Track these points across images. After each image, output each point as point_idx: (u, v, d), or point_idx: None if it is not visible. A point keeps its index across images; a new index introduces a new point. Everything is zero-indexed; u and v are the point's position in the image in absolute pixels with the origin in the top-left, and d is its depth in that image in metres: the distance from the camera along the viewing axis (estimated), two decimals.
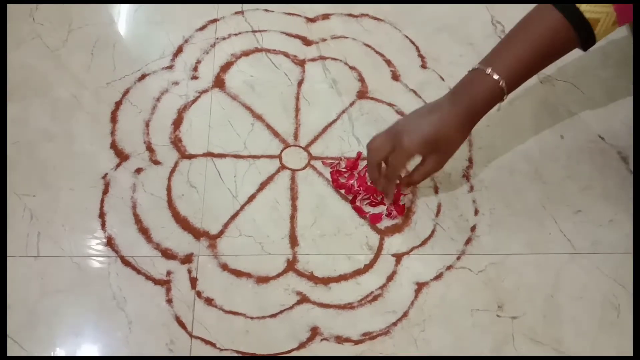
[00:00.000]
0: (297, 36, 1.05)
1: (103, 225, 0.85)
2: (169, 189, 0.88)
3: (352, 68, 1.02)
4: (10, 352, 0.75)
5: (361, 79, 1.01)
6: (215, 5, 1.07)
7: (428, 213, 0.89)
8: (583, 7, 0.69)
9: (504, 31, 1.05)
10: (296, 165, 0.92)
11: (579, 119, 0.98)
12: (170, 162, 0.90)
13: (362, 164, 0.91)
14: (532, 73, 0.76)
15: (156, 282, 0.81)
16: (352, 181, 0.89)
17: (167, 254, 0.83)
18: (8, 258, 0.81)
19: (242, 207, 0.87)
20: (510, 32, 0.76)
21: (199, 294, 0.81)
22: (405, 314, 0.81)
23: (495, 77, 0.72)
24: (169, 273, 0.82)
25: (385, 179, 0.81)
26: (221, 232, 0.85)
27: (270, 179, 0.90)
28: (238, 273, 0.82)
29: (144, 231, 0.85)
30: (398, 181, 0.83)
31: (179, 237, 0.85)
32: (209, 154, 0.91)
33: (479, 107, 0.75)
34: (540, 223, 0.89)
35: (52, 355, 0.76)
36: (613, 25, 0.71)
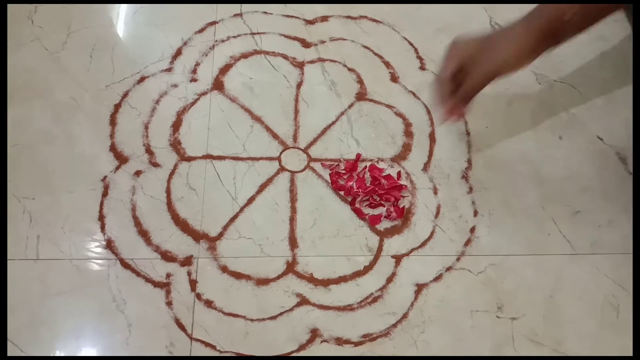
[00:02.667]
0: (295, 38, 1.05)
1: (102, 227, 0.85)
2: (168, 192, 0.88)
3: (350, 70, 1.02)
4: (11, 355, 0.75)
5: (360, 81, 1.01)
6: (214, 8, 1.07)
7: (427, 214, 0.89)
8: None
9: None
10: (295, 167, 0.92)
11: (578, 119, 0.98)
12: (170, 164, 0.90)
13: (361, 165, 0.91)
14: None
15: (156, 284, 0.81)
16: (352, 183, 0.89)
17: (167, 257, 0.83)
18: (8, 261, 0.81)
19: (241, 209, 0.88)
20: None
21: (198, 296, 0.81)
22: (405, 316, 0.81)
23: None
24: (168, 275, 0.82)
25: (459, 97, 0.74)
26: (221, 234, 0.85)
27: (269, 180, 0.90)
28: (238, 275, 0.83)
29: (144, 233, 0.85)
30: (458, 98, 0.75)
31: (178, 239, 0.85)
32: (208, 156, 0.91)
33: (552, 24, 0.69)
34: (539, 224, 0.89)
35: (52, 356, 0.76)
36: None
